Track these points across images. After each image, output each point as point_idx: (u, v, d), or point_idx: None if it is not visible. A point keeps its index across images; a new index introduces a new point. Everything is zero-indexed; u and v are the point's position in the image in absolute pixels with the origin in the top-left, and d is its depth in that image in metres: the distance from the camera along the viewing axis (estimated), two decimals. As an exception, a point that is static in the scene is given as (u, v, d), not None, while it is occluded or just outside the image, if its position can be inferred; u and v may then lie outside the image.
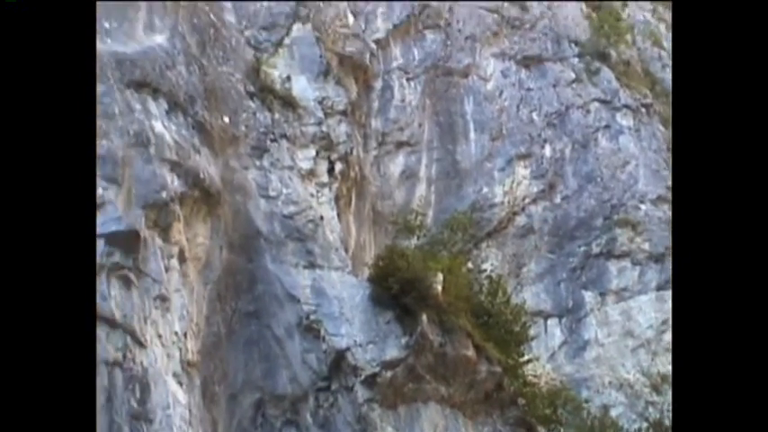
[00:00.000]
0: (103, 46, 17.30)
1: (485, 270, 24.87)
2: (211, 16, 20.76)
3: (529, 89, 29.19)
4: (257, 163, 20.27)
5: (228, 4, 21.79)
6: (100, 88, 16.65)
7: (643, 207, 27.95)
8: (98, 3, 17.58)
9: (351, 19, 25.31)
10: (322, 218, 20.61)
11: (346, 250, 21.36)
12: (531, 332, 23.97)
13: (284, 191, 20.29)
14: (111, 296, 15.52)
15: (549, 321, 26.87)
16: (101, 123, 16.34)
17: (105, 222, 15.70)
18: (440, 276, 20.58)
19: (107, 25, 17.76)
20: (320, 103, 22.10)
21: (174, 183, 17.38)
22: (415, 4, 27.88)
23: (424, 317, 19.66)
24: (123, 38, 17.97)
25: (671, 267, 24.83)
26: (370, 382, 19.08)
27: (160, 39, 18.75)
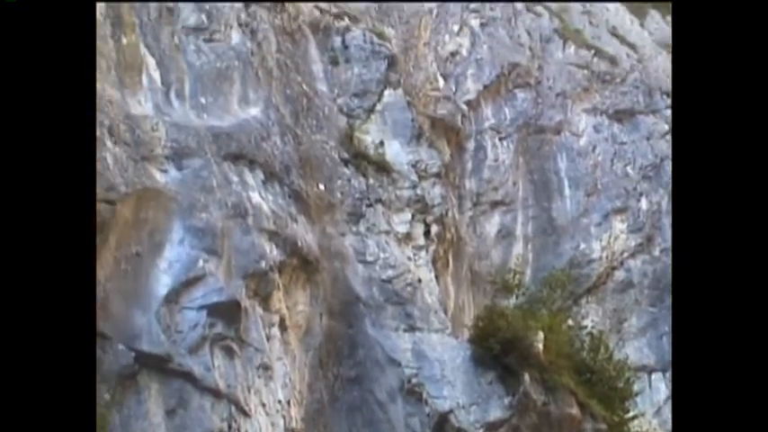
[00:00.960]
0: (200, 121, 17.74)
1: (585, 327, 24.66)
2: (304, 86, 21.10)
3: (622, 143, 29.07)
4: (354, 229, 20.43)
5: (320, 73, 22.12)
6: (198, 162, 17.07)
7: (744, 257, 27.49)
8: (189, 77, 18.14)
9: (441, 82, 25.53)
10: (420, 281, 20.67)
11: (445, 312, 21.37)
12: (636, 387, 23.65)
13: (381, 255, 20.40)
14: (215, 367, 15.75)
15: (654, 376, 26.51)
16: (199, 197, 16.71)
17: (207, 294, 16.01)
18: (540, 335, 20.47)
19: (203, 100, 18.18)
20: (414, 166, 22.24)
21: (273, 252, 17.62)
22: (505, 63, 28.00)
23: (527, 376, 19.55)
24: (219, 112, 18.36)
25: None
26: (475, 443, 19.01)
27: (254, 111, 19.10)
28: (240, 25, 19.49)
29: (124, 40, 17.03)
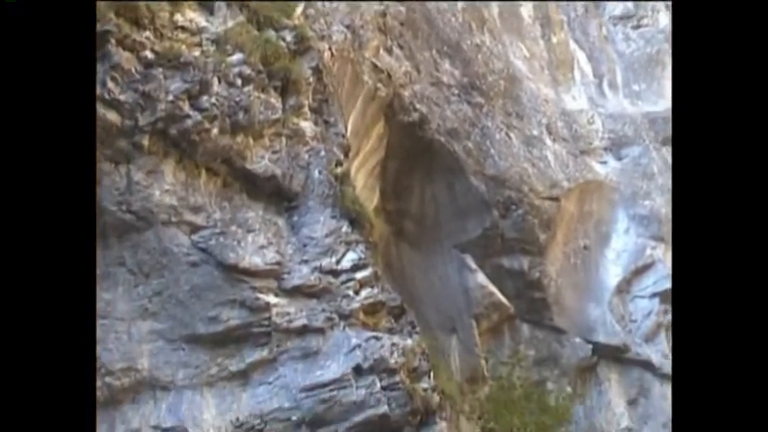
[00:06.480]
0: (635, 108, 17.74)
1: None
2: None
3: None
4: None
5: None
6: (636, 150, 17.07)
7: None
8: (620, 66, 18.18)
9: None
10: None
11: None
12: None
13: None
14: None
15: None
16: (641, 184, 16.70)
17: (658, 281, 16.16)
18: None
19: (636, 88, 18.16)
20: None
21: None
22: None
23: None
24: (653, 97, 18.26)
25: None
26: None
27: (689, 92, 18.81)
28: (667, 8, 19.28)
29: (554, 39, 17.38)
